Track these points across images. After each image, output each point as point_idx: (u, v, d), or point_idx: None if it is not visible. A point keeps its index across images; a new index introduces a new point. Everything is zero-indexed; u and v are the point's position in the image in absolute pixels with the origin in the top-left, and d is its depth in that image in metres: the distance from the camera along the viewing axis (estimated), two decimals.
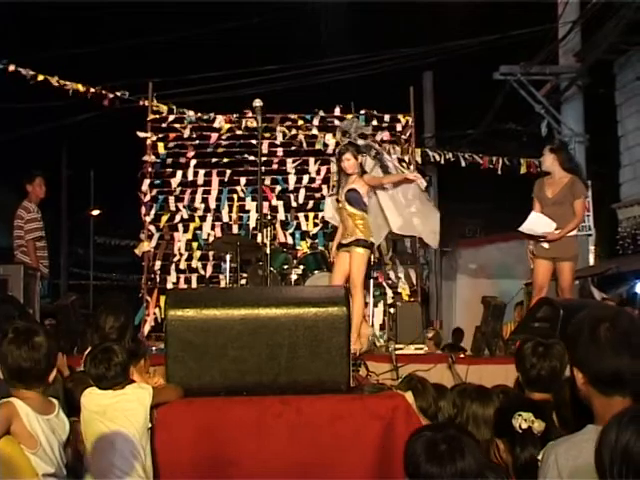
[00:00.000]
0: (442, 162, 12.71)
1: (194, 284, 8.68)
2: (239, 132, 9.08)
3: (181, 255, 8.77)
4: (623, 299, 9.30)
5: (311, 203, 9.02)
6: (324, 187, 9.10)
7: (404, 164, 9.13)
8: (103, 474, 3.26)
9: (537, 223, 6.49)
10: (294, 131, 9.17)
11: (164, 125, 9.05)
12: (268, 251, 6.01)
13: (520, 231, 6.59)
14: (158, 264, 8.71)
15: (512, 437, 2.83)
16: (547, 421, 2.82)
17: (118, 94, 9.92)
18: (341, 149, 6.87)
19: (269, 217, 6.19)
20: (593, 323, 2.20)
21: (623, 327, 2.19)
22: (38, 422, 2.92)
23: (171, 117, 9.14)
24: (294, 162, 9.10)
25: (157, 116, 9.09)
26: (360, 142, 7.69)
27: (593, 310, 2.31)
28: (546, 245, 6.50)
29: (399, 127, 9.20)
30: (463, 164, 12.51)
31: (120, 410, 3.34)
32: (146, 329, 8.30)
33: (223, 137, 9.07)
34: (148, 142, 8.89)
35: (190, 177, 8.98)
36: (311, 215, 9.04)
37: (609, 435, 1.75)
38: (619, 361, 2.15)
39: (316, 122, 9.14)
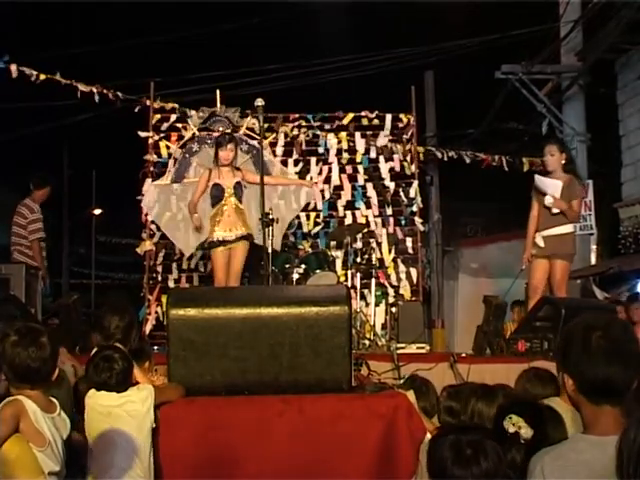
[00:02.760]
0: (445, 159, 12.67)
1: (195, 283, 8.68)
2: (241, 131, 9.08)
3: (182, 254, 8.76)
4: (619, 299, 9.29)
5: (312, 203, 9.01)
6: (325, 187, 9.10)
7: (406, 163, 9.13)
8: (104, 473, 3.27)
9: (546, 183, 6.46)
10: (296, 131, 9.16)
11: (166, 125, 9.04)
12: (270, 250, 6.00)
13: (534, 180, 6.56)
14: (160, 262, 8.70)
15: (501, 437, 2.83)
16: (540, 428, 2.79)
17: (119, 94, 9.92)
18: (225, 138, 6.82)
19: (271, 216, 6.16)
20: (585, 331, 2.19)
21: (615, 335, 2.18)
22: (45, 420, 2.93)
23: (173, 116, 9.13)
24: (295, 163, 9.10)
25: (159, 115, 9.08)
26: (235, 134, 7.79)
27: (585, 317, 2.30)
28: (542, 243, 6.50)
29: (401, 126, 9.19)
30: (467, 161, 12.47)
31: (125, 411, 3.34)
32: (148, 328, 8.30)
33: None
34: (150, 141, 8.89)
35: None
36: (312, 215, 9.03)
37: (629, 433, 1.75)
38: (610, 370, 2.13)
39: (318, 123, 9.13)
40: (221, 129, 8.31)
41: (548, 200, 6.41)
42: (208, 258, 8.70)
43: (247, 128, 8.81)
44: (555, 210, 6.42)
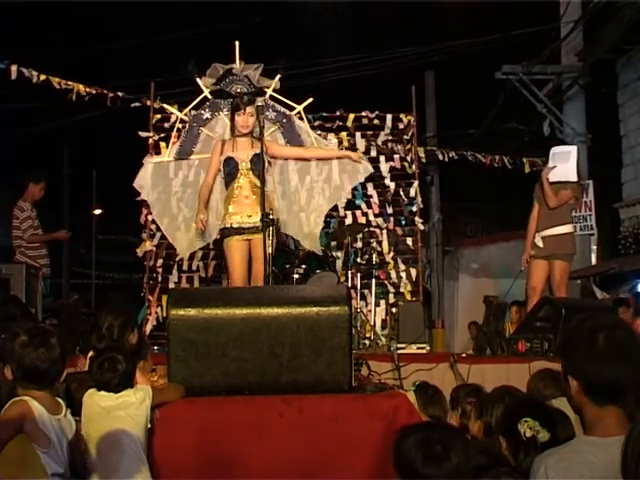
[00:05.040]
0: (446, 159, 12.66)
1: (196, 284, 8.66)
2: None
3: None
4: (618, 298, 9.29)
5: (313, 204, 8.99)
6: (326, 187, 9.08)
7: (406, 163, 9.12)
8: (108, 475, 3.25)
9: (561, 166, 6.51)
10: None
11: (166, 125, 9.02)
12: (270, 250, 5.98)
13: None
14: (160, 262, 8.68)
15: (516, 441, 2.80)
16: (554, 430, 2.77)
17: (119, 94, 9.91)
18: (243, 99, 5.82)
19: (271, 217, 6.10)
20: (591, 331, 2.18)
21: (622, 336, 2.17)
22: (50, 422, 2.92)
23: (173, 117, 9.10)
24: (296, 163, 9.07)
25: (159, 115, 9.06)
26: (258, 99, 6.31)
27: (590, 318, 2.29)
28: (541, 244, 6.50)
29: (401, 126, 9.18)
30: (468, 160, 12.46)
31: (123, 411, 3.33)
32: (148, 328, 8.29)
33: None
34: (150, 142, 8.87)
35: (192, 177, 8.93)
36: (312, 215, 9.00)
37: (633, 433, 1.75)
38: (619, 371, 2.13)
39: (318, 123, 9.11)
40: (239, 90, 6.55)
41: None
42: (211, 259, 8.65)
43: (274, 90, 7.00)
44: (549, 179, 6.49)
